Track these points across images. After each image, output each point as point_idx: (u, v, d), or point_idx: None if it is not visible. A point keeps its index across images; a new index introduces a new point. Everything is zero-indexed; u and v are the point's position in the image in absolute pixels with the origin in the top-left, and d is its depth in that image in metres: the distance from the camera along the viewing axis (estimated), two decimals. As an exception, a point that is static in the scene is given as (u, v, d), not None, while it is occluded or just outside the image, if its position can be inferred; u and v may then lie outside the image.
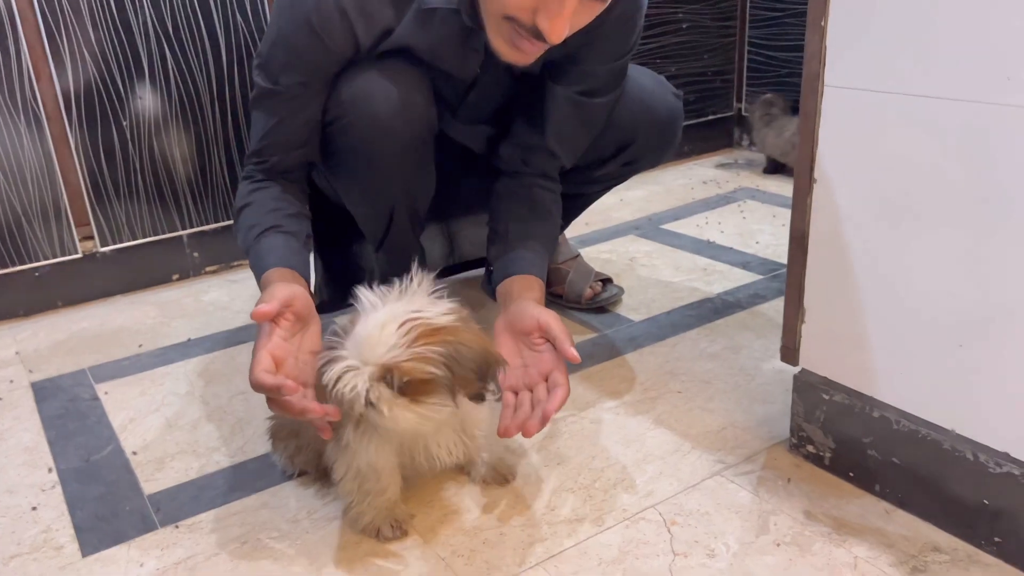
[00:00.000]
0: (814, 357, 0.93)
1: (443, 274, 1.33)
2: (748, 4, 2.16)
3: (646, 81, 1.20)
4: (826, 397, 0.91)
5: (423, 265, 0.85)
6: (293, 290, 0.88)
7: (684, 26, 2.09)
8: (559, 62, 1.08)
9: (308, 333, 0.88)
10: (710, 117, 2.24)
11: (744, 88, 2.23)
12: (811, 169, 0.86)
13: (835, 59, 0.81)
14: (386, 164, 1.04)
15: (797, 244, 0.89)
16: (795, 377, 0.95)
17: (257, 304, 0.85)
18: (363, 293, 0.80)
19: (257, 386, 0.78)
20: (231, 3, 1.50)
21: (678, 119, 1.22)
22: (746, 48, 2.19)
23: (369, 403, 0.75)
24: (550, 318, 0.91)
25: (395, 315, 0.76)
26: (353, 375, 0.74)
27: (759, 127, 2.04)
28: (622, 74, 1.14)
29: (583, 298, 1.38)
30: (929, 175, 0.76)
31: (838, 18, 0.80)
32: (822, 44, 0.81)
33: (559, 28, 0.87)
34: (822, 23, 0.81)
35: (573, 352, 0.88)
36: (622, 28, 1.07)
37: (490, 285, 1.10)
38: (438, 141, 1.11)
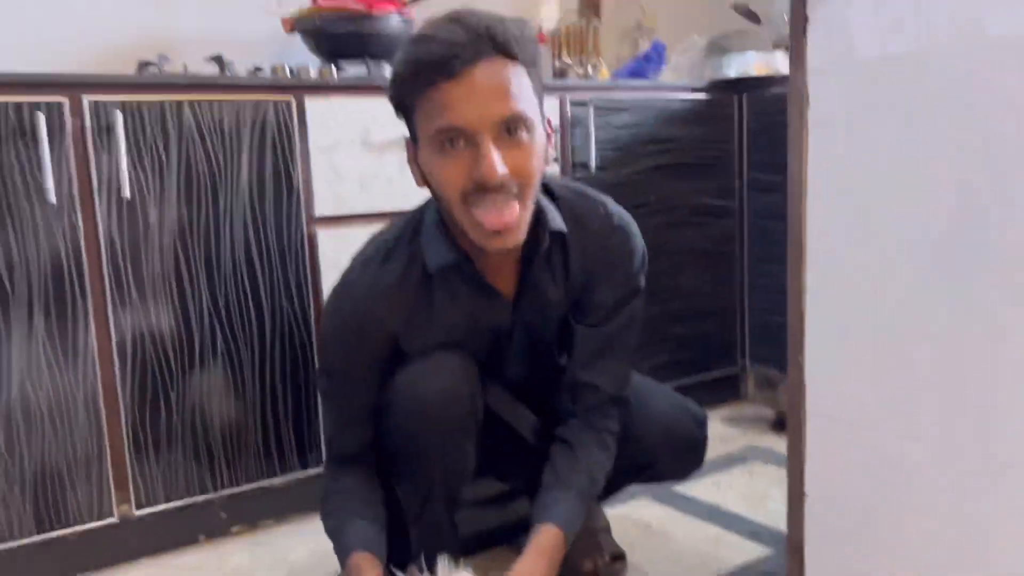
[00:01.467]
0: (820, 663, 0.96)
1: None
2: (747, 273, 2.34)
3: (667, 408, 1.31)
4: None
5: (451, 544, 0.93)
6: None
7: (684, 291, 2.26)
8: (576, 304, 1.22)
9: None
10: (715, 373, 2.36)
11: (748, 344, 2.37)
12: (801, 484, 0.94)
13: (815, 391, 0.92)
14: (427, 447, 1.15)
15: (794, 554, 0.96)
16: None
17: None
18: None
19: None
20: (279, 291, 1.68)
21: (698, 444, 1.32)
22: (747, 311, 2.35)
23: None
24: None
25: None
26: None
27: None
28: (634, 298, 1.25)
29: (585, 570, 1.41)
30: (908, 495, 0.84)
31: (815, 352, 0.92)
32: (802, 378, 0.92)
33: (490, 164, 1.02)
34: (800, 359, 0.93)
35: None
36: (619, 255, 1.23)
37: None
38: (492, 423, 1.23)
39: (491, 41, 1.01)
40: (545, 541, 1.12)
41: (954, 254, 0.79)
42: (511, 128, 1.04)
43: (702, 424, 1.33)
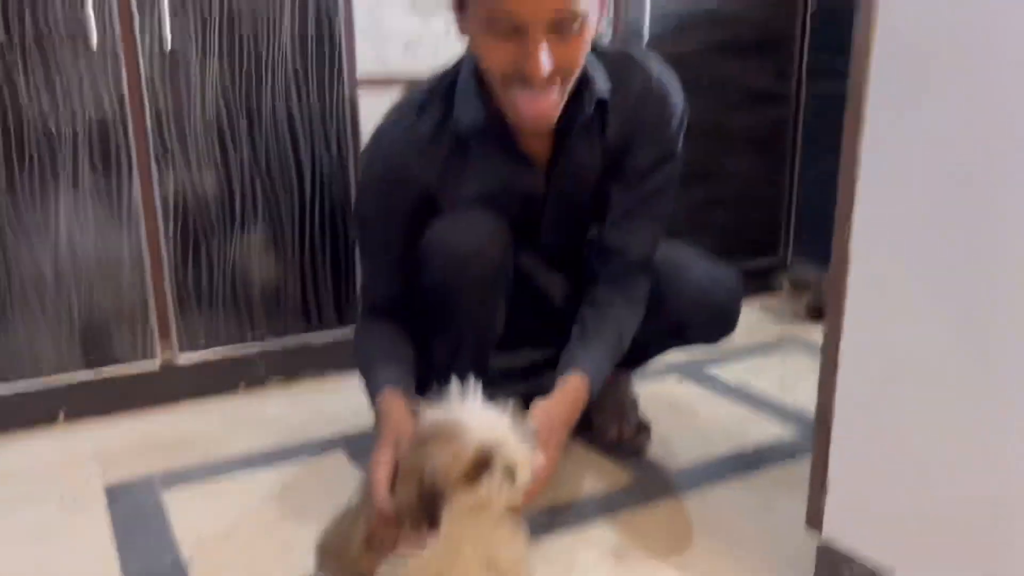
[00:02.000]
0: (838, 529, 0.97)
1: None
2: (799, 160, 2.27)
3: (704, 272, 1.29)
4: (847, 573, 0.95)
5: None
6: (399, 421, 1.01)
7: (731, 174, 2.20)
8: (611, 165, 1.20)
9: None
10: (755, 263, 2.32)
11: (791, 235, 2.32)
12: (835, 354, 0.93)
13: (860, 262, 0.89)
14: (457, 299, 1.16)
15: (821, 424, 0.95)
16: (818, 548, 0.99)
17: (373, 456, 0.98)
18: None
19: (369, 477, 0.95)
20: (320, 148, 1.67)
21: (733, 309, 1.30)
22: (795, 200, 2.29)
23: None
24: (539, 419, 1.02)
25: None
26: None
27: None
28: (670, 162, 1.23)
29: (612, 438, 1.44)
30: (955, 356, 0.83)
31: (862, 223, 0.89)
32: (847, 248, 0.90)
33: (537, 62, 1.00)
34: (847, 229, 0.90)
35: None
36: (659, 117, 1.20)
37: None
38: (523, 287, 1.24)
39: None
40: (568, 387, 1.13)
41: (1012, 123, 0.74)
42: (563, 24, 1.01)
43: (737, 287, 1.31)
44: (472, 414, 0.86)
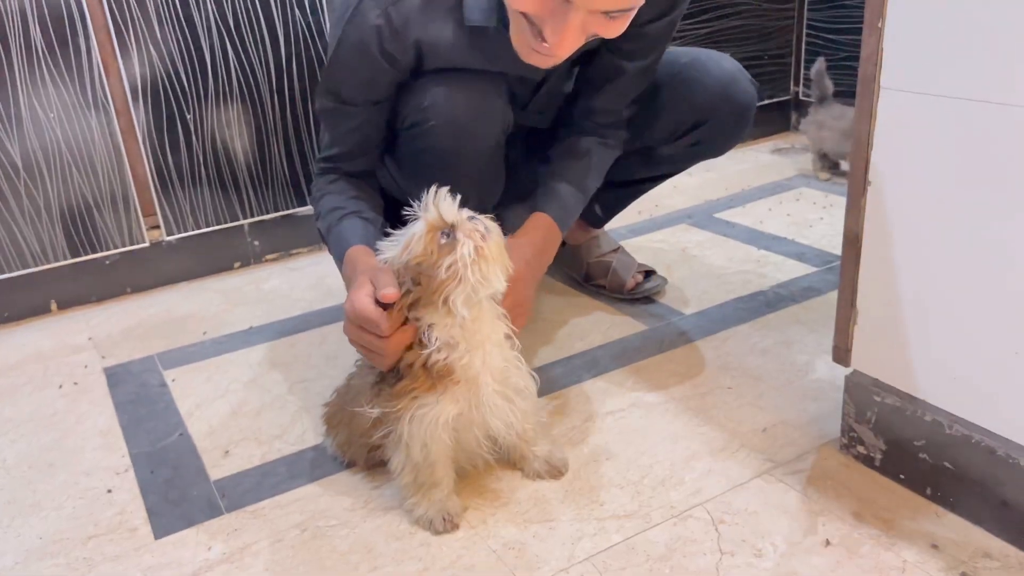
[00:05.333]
0: (866, 359, 0.92)
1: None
2: (807, -14, 2.11)
3: (729, 66, 1.21)
4: (877, 399, 0.91)
5: None
6: (370, 264, 0.92)
7: (741, 9, 2.06)
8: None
9: None
10: (767, 101, 2.20)
11: (802, 71, 2.19)
12: (865, 171, 0.85)
13: (892, 62, 0.80)
14: (463, 164, 1.07)
15: (850, 246, 0.89)
16: (847, 378, 0.95)
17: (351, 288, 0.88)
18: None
19: (358, 311, 0.83)
20: (291, 1, 1.53)
21: (752, 107, 1.23)
22: (804, 31, 2.15)
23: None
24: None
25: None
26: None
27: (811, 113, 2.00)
28: (668, 31, 1.14)
29: (625, 288, 1.39)
30: (983, 178, 0.75)
31: (895, 21, 0.79)
32: (879, 46, 0.80)
33: (563, 44, 0.88)
34: (879, 24, 0.80)
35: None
36: None
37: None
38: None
39: None
40: (532, 224, 1.11)
41: None
42: (612, 12, 0.87)
43: (755, 88, 1.23)
44: (434, 207, 0.82)
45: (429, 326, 0.84)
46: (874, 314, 0.89)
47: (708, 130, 1.22)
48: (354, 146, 1.10)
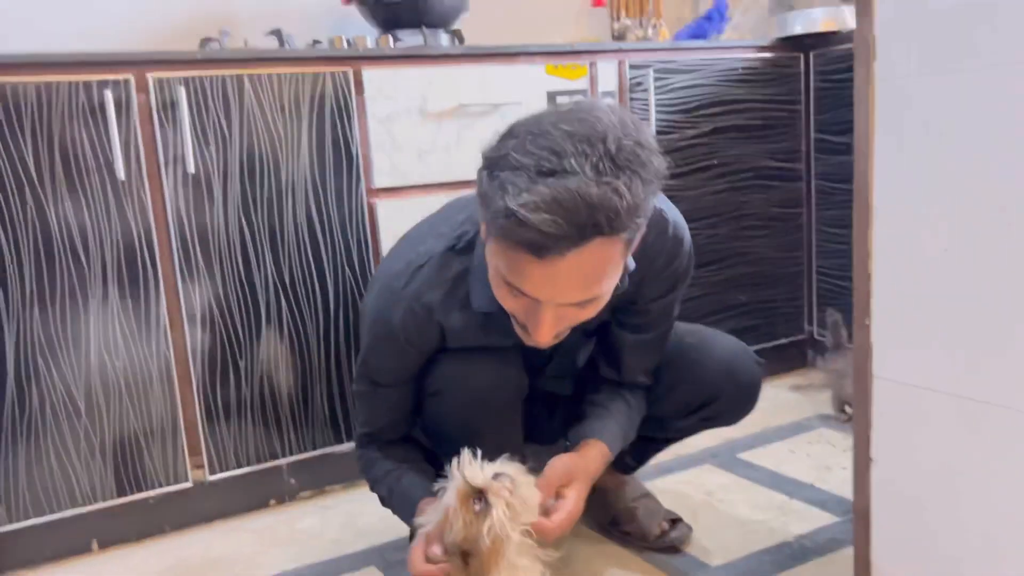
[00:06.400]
0: (888, 632, 0.94)
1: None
2: (815, 237, 2.28)
3: (731, 345, 1.32)
4: (902, 677, 0.92)
5: None
6: None
7: (751, 257, 2.21)
8: (618, 307, 1.20)
9: None
10: (783, 340, 2.31)
11: (815, 313, 2.31)
12: (867, 449, 0.92)
13: (882, 354, 0.89)
14: (482, 429, 1.15)
15: (860, 520, 0.93)
16: (870, 651, 0.96)
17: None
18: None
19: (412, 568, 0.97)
20: (341, 260, 1.70)
21: (758, 384, 1.33)
22: (815, 276, 2.29)
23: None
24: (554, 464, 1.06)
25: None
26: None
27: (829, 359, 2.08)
28: (674, 292, 1.24)
29: (651, 536, 1.42)
30: (976, 463, 0.81)
31: (882, 314, 0.89)
32: (868, 340, 0.90)
33: (542, 334, 0.99)
34: (866, 322, 0.90)
35: (544, 522, 0.99)
36: (670, 264, 1.19)
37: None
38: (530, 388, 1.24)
39: (593, 228, 0.88)
40: (583, 446, 1.17)
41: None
42: (583, 304, 0.98)
43: (760, 366, 1.33)
44: (464, 470, 0.92)
45: None
46: (891, 587, 0.92)
47: (717, 407, 1.31)
48: (392, 420, 1.22)
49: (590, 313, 1.00)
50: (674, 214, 1.20)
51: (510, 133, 0.94)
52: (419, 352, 1.15)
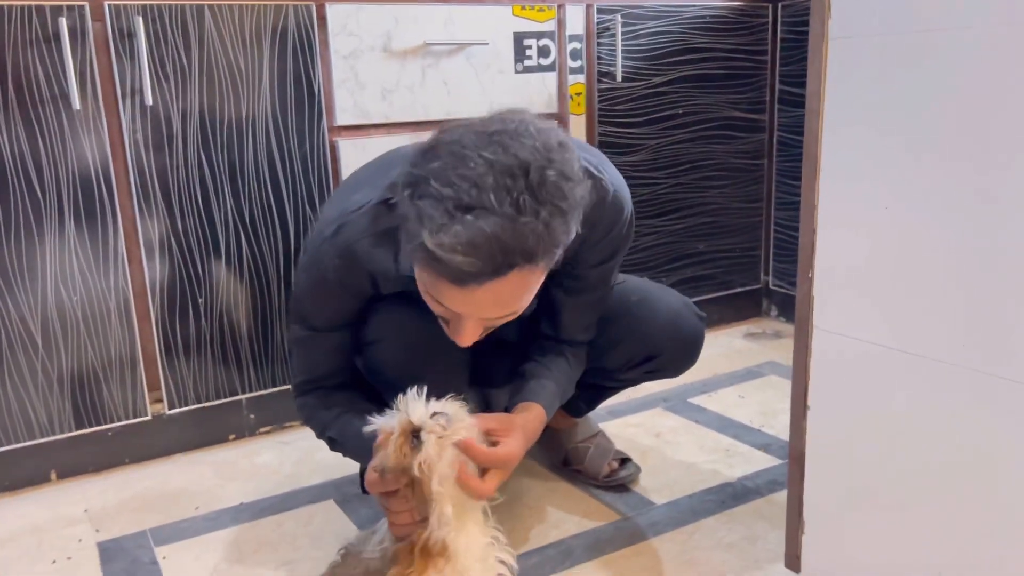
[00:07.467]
0: (815, 567, 1.00)
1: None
2: (775, 189, 2.31)
3: (674, 301, 1.35)
4: (826, 607, 0.98)
5: None
6: None
7: (711, 208, 2.25)
8: (557, 271, 1.21)
9: None
10: (738, 289, 2.36)
11: (771, 263, 2.36)
12: (804, 397, 0.96)
13: (822, 306, 0.93)
14: (422, 377, 1.17)
15: (795, 463, 0.98)
16: (798, 584, 1.02)
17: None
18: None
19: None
20: (303, 198, 1.70)
21: (700, 339, 1.37)
22: (772, 227, 2.34)
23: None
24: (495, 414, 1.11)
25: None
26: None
27: None
28: (615, 258, 1.25)
29: (600, 475, 1.47)
30: (903, 413, 0.86)
31: (824, 268, 0.92)
32: (810, 292, 0.93)
33: (464, 339, 1.02)
34: (809, 274, 0.93)
35: (473, 482, 1.01)
36: (610, 230, 1.18)
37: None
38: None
39: (509, 267, 0.91)
40: (525, 408, 1.18)
41: (972, 173, 0.77)
42: (503, 316, 1.02)
43: (702, 320, 1.37)
44: (405, 405, 0.99)
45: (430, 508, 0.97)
46: (821, 525, 0.98)
47: (660, 362, 1.35)
48: (332, 366, 1.23)
49: (510, 318, 1.03)
50: (616, 181, 1.18)
51: (433, 149, 0.93)
52: (352, 296, 1.15)
